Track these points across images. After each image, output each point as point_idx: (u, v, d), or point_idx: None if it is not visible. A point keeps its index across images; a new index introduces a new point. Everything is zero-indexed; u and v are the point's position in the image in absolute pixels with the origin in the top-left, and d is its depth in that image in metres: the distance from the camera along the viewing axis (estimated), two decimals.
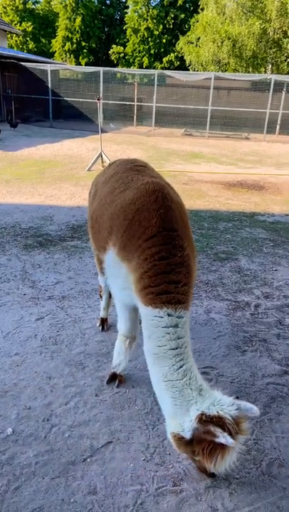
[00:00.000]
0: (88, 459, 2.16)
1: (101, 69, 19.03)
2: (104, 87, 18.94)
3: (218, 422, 1.78)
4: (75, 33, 34.33)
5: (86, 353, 3.01)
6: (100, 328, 3.31)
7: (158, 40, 33.44)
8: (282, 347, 3.23)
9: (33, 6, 38.47)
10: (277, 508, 1.96)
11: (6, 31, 23.92)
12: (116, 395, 2.62)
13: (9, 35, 30.51)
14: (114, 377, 2.70)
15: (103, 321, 3.33)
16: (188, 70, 27.61)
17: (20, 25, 35.90)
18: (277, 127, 18.94)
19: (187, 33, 29.06)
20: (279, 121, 18.86)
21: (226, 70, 25.40)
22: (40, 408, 2.48)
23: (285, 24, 22.88)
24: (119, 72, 21.61)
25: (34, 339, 3.15)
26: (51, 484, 2.02)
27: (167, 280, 2.00)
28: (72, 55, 35.29)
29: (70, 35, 34.45)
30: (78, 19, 33.74)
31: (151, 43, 33.61)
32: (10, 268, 4.33)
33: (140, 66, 33.49)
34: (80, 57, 35.17)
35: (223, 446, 1.76)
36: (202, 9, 27.06)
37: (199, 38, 26.07)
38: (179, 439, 1.92)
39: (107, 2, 37.09)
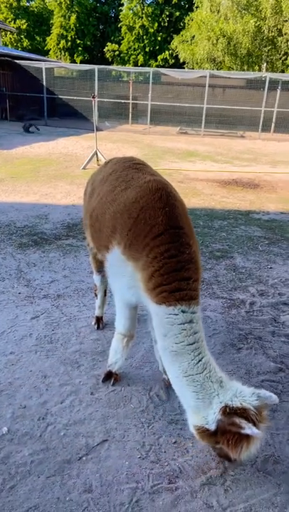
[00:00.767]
0: (84, 458, 2.16)
1: (96, 67, 18.97)
2: (99, 85, 18.86)
3: (243, 413, 1.83)
4: (70, 30, 34.17)
5: (81, 352, 3.01)
6: (96, 326, 3.31)
7: (153, 38, 33.36)
8: (277, 344, 3.24)
9: (28, 4, 38.29)
10: (272, 504, 1.97)
11: (0, 29, 23.80)
12: (111, 393, 2.62)
13: (3, 33, 30.41)
14: (109, 376, 2.69)
15: (98, 320, 3.33)
16: (184, 67, 27.61)
17: (14, 22, 35.71)
18: (272, 125, 18.96)
19: (182, 32, 29.03)
20: (274, 120, 18.87)
21: (220, 68, 25.44)
22: (36, 407, 2.48)
23: (279, 22, 22.97)
24: (114, 70, 21.48)
25: (29, 338, 3.14)
26: (47, 483, 2.02)
27: (179, 278, 2.01)
28: (67, 53, 35.15)
29: (64, 33, 34.28)
30: (73, 17, 33.58)
31: (146, 41, 33.51)
32: (5, 267, 4.32)
33: (135, 64, 33.38)
34: (75, 55, 35.04)
35: (248, 437, 1.80)
36: (197, 7, 27.12)
37: (194, 36, 26.08)
38: (203, 431, 1.95)
39: (102, 0, 36.98)
